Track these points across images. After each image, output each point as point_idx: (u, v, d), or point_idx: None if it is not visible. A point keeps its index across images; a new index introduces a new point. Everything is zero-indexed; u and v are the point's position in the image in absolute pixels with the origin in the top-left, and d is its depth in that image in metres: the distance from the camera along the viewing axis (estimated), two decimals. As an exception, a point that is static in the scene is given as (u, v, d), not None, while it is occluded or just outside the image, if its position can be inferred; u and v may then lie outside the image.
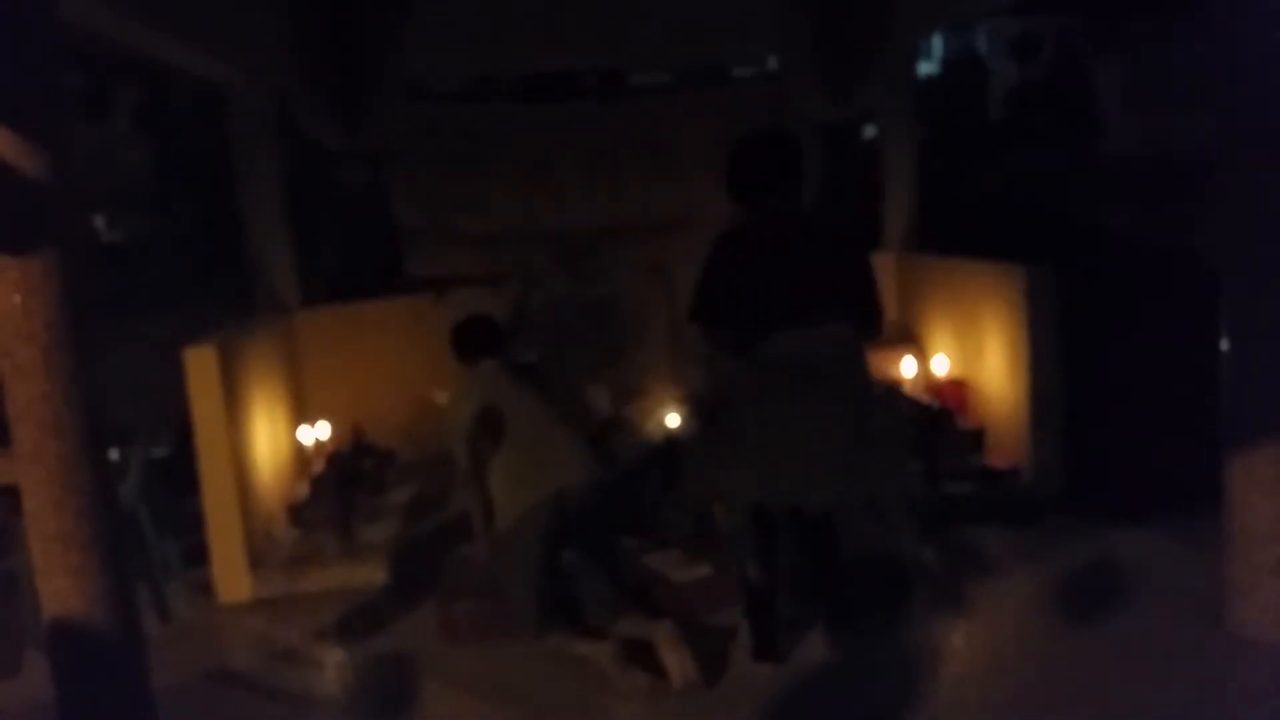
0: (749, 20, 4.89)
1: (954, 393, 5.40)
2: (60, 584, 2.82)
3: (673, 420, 4.91)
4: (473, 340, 4.34)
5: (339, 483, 4.78)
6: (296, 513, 4.84)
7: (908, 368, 5.65)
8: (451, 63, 5.99)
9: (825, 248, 3.38)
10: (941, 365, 5.54)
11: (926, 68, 12.99)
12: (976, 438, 5.10)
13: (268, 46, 4.22)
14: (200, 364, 4.34)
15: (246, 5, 4.41)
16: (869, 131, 8.00)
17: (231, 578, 4.44)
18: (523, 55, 5.96)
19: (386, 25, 4.10)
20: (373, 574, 4.50)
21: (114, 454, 3.21)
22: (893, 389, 5.60)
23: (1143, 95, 12.12)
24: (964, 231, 6.19)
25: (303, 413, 5.50)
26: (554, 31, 5.60)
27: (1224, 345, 3.45)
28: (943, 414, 5.15)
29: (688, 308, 3.45)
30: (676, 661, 3.39)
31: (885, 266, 6.37)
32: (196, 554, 4.57)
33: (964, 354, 5.47)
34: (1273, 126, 3.28)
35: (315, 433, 5.32)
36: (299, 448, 5.38)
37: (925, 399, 5.41)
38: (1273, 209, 3.31)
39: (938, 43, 15.01)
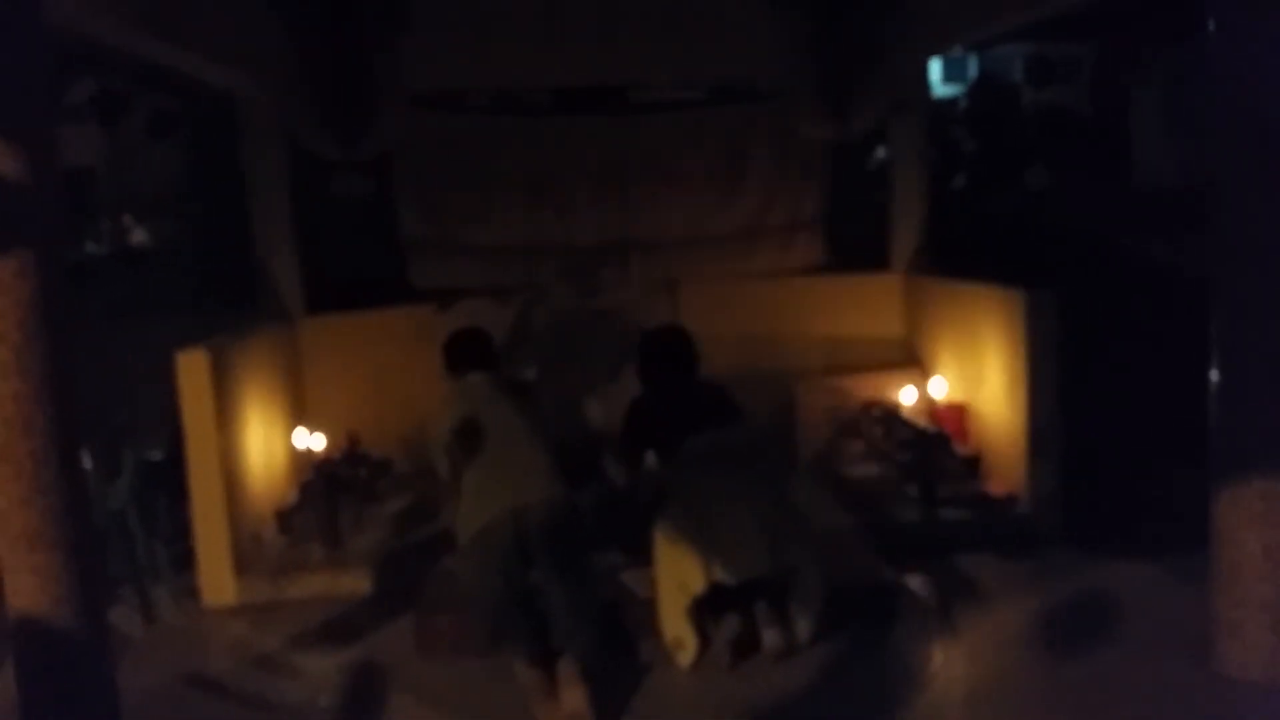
0: (752, 39, 4.87)
1: (953, 417, 5.33)
2: (25, 582, 2.82)
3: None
4: (463, 353, 4.35)
5: (327, 490, 4.78)
6: (285, 519, 4.84)
7: (908, 392, 5.58)
8: (451, 76, 5.98)
9: (715, 398, 4.21)
10: (941, 389, 5.47)
11: (958, 89, 12.96)
12: (973, 464, 5.03)
13: (264, 55, 4.25)
14: (192, 368, 4.37)
15: (244, 14, 4.44)
16: (881, 152, 7.93)
17: (217, 582, 4.45)
18: (523, 69, 5.95)
19: (382, 37, 4.12)
20: (358, 583, 4.49)
21: (85, 458, 3.20)
22: (889, 413, 5.54)
23: (1181, 122, 11.93)
24: (984, 254, 6.10)
25: (302, 420, 5.51)
26: (555, 46, 5.60)
27: (1213, 376, 3.39)
28: (940, 439, 5.08)
29: (621, 452, 4.28)
30: (571, 697, 3.35)
31: (891, 288, 6.33)
32: (186, 558, 4.59)
33: (964, 378, 5.40)
34: (1262, 156, 3.23)
35: (309, 440, 5.32)
36: (294, 454, 5.39)
37: (923, 423, 5.34)
38: (1261, 239, 3.27)
39: (973, 64, 14.97)
